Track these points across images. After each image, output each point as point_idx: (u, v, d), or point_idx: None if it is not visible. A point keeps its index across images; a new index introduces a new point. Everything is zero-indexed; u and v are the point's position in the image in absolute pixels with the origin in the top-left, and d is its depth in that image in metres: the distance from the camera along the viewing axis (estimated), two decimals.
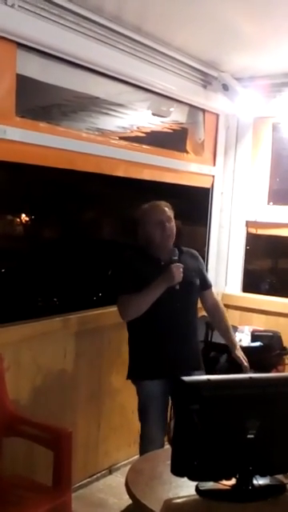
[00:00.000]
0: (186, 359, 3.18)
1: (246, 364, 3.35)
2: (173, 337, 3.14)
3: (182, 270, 3.06)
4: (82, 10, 3.08)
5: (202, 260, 3.45)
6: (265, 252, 6.98)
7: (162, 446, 3.26)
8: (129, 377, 3.26)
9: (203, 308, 3.51)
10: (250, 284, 5.01)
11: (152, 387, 3.15)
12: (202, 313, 3.98)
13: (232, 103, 4.26)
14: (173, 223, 3.20)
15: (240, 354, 3.39)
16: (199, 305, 3.39)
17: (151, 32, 3.44)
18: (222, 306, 3.53)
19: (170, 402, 3.24)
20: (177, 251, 3.15)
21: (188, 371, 2.86)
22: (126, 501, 3.06)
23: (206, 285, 3.39)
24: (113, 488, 3.63)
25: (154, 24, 3.34)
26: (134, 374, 3.24)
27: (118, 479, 3.68)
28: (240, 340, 3.97)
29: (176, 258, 3.11)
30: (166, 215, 3.18)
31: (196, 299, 3.33)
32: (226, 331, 3.44)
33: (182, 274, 3.05)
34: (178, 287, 3.05)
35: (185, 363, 3.14)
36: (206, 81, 4.14)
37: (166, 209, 3.21)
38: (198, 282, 3.29)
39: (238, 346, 3.43)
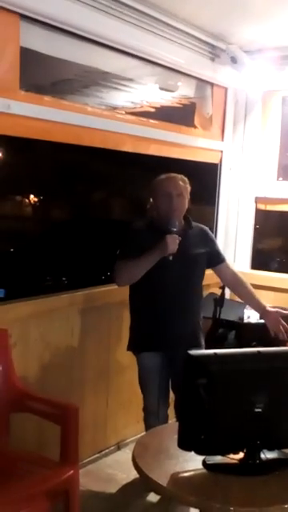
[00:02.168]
0: (183, 335, 3.15)
1: (283, 336, 3.16)
2: (171, 312, 3.12)
3: (177, 241, 3.02)
4: None
5: (212, 236, 3.39)
6: (274, 230, 6.93)
7: (165, 419, 3.29)
8: (128, 348, 3.32)
9: (224, 283, 3.50)
10: (259, 262, 4.98)
11: (149, 359, 3.21)
12: (210, 290, 3.96)
13: (240, 76, 4.19)
14: (183, 198, 3.13)
15: (275, 319, 3.19)
16: (208, 281, 3.34)
17: (158, 3, 3.36)
18: (240, 275, 3.39)
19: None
20: (177, 224, 3.07)
21: (185, 347, 2.64)
22: (134, 476, 3.09)
23: (219, 259, 3.32)
24: (121, 464, 3.65)
25: None
26: (132, 346, 3.30)
27: (126, 455, 3.69)
28: (249, 317, 3.96)
29: (175, 229, 3.05)
30: (177, 188, 3.11)
31: (199, 276, 3.27)
32: (252, 297, 3.31)
33: (177, 246, 3.01)
34: (171, 258, 3.01)
35: (182, 339, 3.12)
36: (214, 53, 4.06)
37: (181, 183, 3.14)
38: (203, 259, 3.24)
39: (268, 308, 3.25)
